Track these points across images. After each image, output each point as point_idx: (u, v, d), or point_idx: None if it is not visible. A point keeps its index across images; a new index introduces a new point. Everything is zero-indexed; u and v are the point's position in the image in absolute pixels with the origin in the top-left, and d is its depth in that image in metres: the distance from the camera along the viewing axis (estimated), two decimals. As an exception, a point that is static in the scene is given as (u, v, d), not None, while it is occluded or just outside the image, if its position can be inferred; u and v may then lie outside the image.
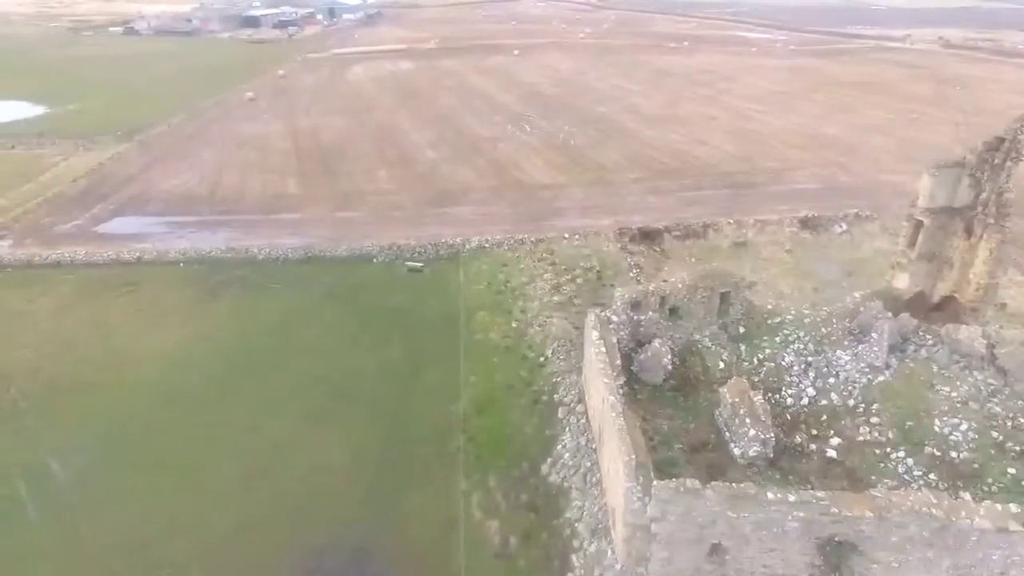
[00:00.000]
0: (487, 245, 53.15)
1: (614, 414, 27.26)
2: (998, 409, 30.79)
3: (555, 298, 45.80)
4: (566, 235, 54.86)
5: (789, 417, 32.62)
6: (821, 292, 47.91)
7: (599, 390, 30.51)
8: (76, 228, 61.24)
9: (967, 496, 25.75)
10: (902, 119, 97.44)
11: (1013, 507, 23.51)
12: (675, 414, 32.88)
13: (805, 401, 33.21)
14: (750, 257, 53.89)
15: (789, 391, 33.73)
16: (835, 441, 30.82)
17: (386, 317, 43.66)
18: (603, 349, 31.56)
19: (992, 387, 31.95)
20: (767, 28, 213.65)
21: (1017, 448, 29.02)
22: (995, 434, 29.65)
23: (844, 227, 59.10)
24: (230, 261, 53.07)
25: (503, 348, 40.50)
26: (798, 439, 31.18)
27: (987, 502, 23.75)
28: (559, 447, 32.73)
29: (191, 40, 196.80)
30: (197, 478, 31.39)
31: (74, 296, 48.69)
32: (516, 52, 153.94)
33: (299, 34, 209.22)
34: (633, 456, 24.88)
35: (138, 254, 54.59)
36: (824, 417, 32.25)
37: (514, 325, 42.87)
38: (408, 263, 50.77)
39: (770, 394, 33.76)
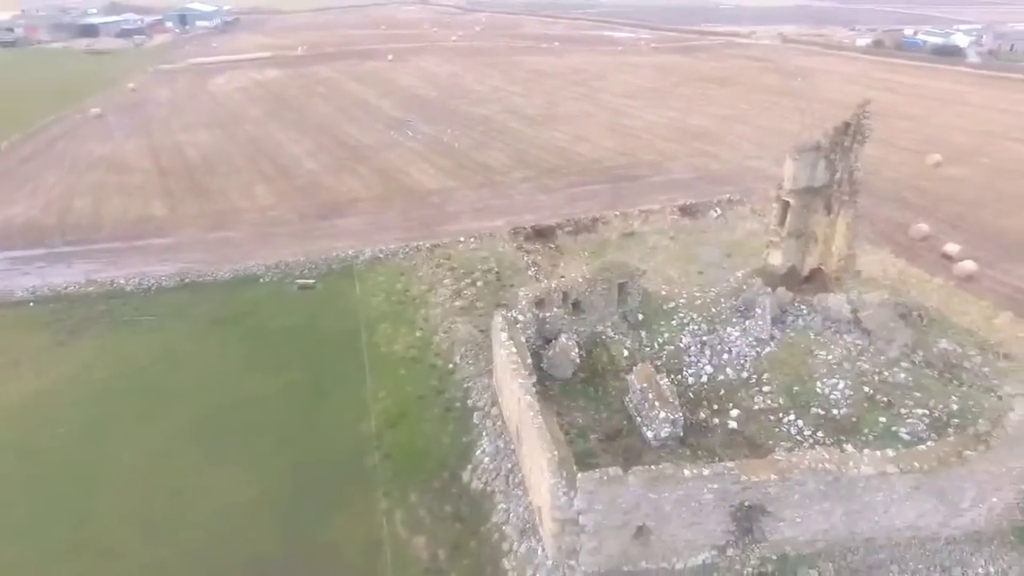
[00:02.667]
0: (382, 255, 51.81)
1: (531, 413, 27.44)
2: (866, 366, 34.18)
3: (457, 303, 45.50)
4: (461, 239, 54.68)
5: (692, 395, 34.46)
6: (705, 274, 50.72)
7: (513, 390, 30.61)
8: None
9: (850, 448, 28.30)
10: (757, 109, 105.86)
11: (890, 452, 26.22)
12: (588, 405, 33.74)
13: (704, 379, 35.22)
14: (638, 246, 56.31)
15: (689, 371, 35.63)
16: (735, 412, 32.93)
17: (281, 339, 41.33)
18: (513, 350, 31.70)
19: (860, 347, 35.43)
20: (631, 27, 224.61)
21: (885, 399, 32.36)
22: (866, 388, 32.89)
23: (719, 212, 63.23)
24: (92, 296, 47.91)
25: (410, 359, 39.66)
26: (702, 415, 33.01)
27: (867, 451, 26.30)
28: (478, 452, 32.52)
29: (16, 52, 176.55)
30: (83, 537, 28.14)
31: None
32: (390, 57, 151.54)
33: (147, 43, 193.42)
34: (555, 452, 25.16)
35: (-30, 297, 47.82)
36: (722, 391, 34.36)
37: (418, 334, 42.10)
38: (299, 280, 48.30)
39: (672, 375, 35.46)
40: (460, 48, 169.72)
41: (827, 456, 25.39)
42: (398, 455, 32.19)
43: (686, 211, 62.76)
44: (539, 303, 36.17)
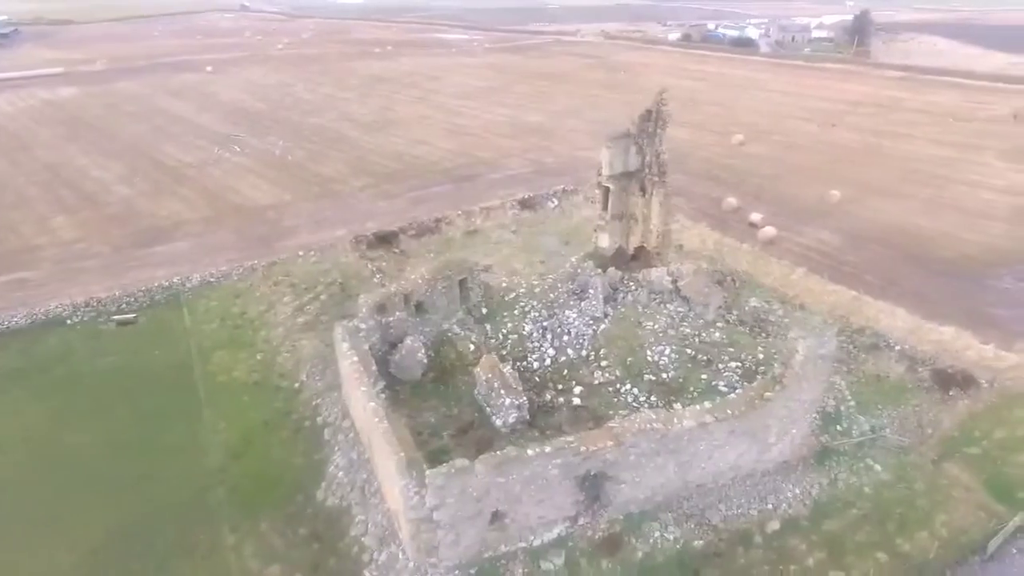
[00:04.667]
0: (213, 279, 48.43)
1: (376, 419, 27.26)
2: (688, 330, 37.62)
3: (300, 319, 43.85)
4: (301, 253, 52.63)
5: (538, 379, 35.91)
6: (548, 263, 52.90)
7: (360, 399, 30.19)
8: None
9: (679, 406, 31.07)
10: (586, 103, 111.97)
11: (707, 404, 29.13)
12: (439, 404, 34.03)
13: (548, 361, 36.83)
14: (482, 243, 57.60)
15: (533, 356, 37.09)
16: (577, 390, 34.79)
17: (100, 383, 37.28)
18: (355, 359, 31.25)
19: (681, 313, 38.89)
20: (462, 29, 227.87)
21: (705, 358, 35.85)
22: (689, 351, 36.21)
23: (556, 202, 66.32)
24: None
25: (252, 384, 37.62)
26: (548, 396, 34.53)
27: (690, 407, 29.07)
28: (331, 468, 31.68)
29: None
30: None
31: None
32: (209, 68, 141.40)
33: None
34: (402, 454, 25.17)
35: None
36: (565, 371, 36.15)
37: (259, 357, 40.04)
38: (116, 317, 43.73)
39: (518, 363, 36.78)
40: (288, 56, 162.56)
41: (654, 417, 27.69)
42: (245, 486, 30.46)
43: (525, 204, 65.12)
44: (380, 309, 35.84)
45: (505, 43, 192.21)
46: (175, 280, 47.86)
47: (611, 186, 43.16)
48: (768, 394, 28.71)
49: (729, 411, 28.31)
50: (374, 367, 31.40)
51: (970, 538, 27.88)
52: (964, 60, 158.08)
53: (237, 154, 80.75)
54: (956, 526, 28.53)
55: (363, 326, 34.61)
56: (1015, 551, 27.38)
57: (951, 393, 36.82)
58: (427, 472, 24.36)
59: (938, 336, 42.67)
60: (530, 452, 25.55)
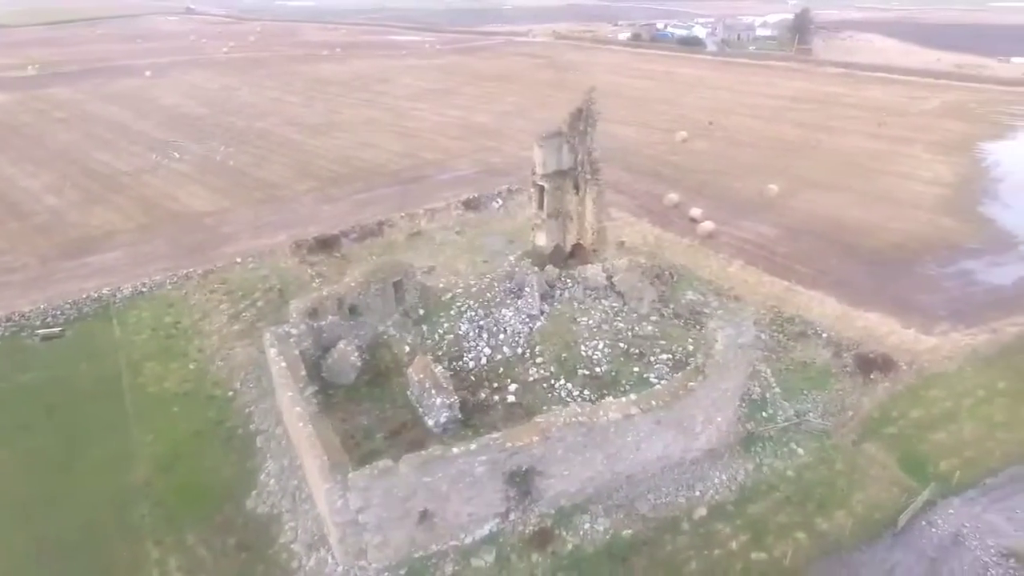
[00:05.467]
0: (145, 289, 47.17)
1: (301, 424, 27.05)
2: (621, 325, 38.21)
3: (236, 327, 43.12)
4: (238, 260, 51.70)
5: (473, 378, 36.04)
6: (491, 263, 53.07)
7: (286, 405, 29.90)
8: None
9: (611, 399, 31.52)
10: (534, 102, 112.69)
11: (633, 396, 29.70)
12: (373, 406, 33.87)
13: (484, 360, 37.00)
14: (426, 244, 57.50)
15: (469, 355, 37.21)
16: (512, 387, 35.00)
17: (20, 401, 35.90)
18: (283, 364, 30.91)
19: (615, 308, 39.49)
20: (415, 31, 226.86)
21: (637, 351, 36.47)
22: (622, 345, 36.78)
23: (500, 202, 66.61)
24: None
25: (183, 395, 36.82)
26: (482, 395, 34.69)
27: (615, 399, 29.58)
28: (263, 476, 31.26)
29: None
30: None
31: None
32: (148, 73, 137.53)
33: None
34: (325, 457, 25.03)
35: None
36: (501, 370, 36.36)
37: (192, 367, 39.24)
38: (40, 331, 42.23)
39: (454, 362, 36.90)
40: (233, 60, 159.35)
41: (579, 410, 28.12)
42: (172, 499, 29.82)
43: (470, 205, 65.24)
44: (312, 313, 35.53)
45: (457, 44, 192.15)
46: (105, 292, 46.49)
47: (546, 185, 43.61)
48: (691, 384, 29.43)
49: (654, 402, 28.91)
50: (303, 372, 31.10)
51: (884, 514, 29.05)
52: (899, 57, 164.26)
53: (176, 160, 78.84)
54: (871, 503, 29.72)
55: (294, 331, 34.24)
56: (925, 523, 28.63)
57: (872, 377, 38.30)
58: (350, 475, 24.28)
59: (864, 322, 44.39)
60: (455, 450, 25.68)
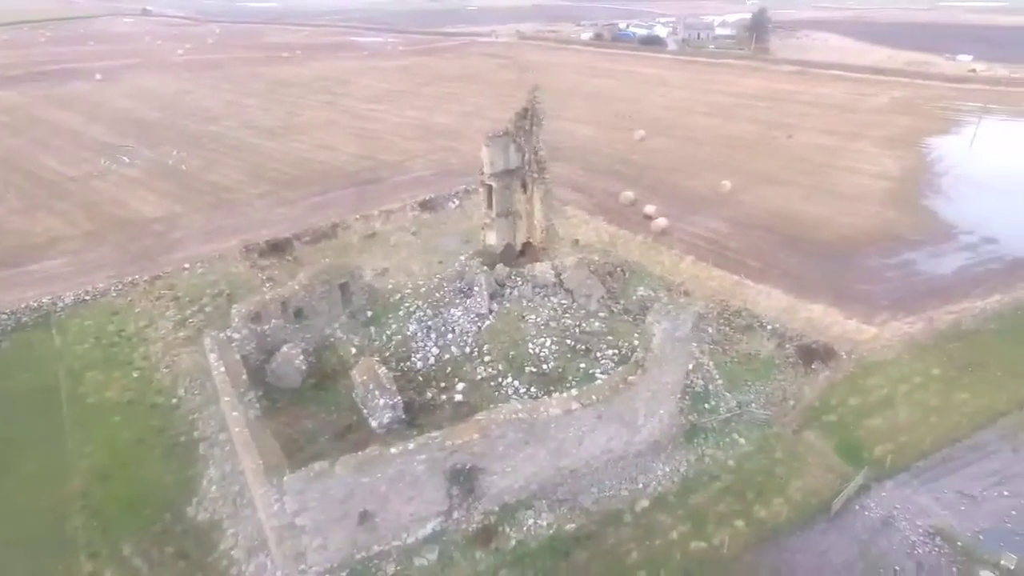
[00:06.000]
0: (88, 297, 46.00)
1: (237, 428, 26.76)
2: (569, 321, 38.54)
3: (182, 333, 42.38)
4: (187, 265, 50.81)
5: (421, 378, 36.04)
6: (445, 263, 53.02)
7: (227, 410, 29.54)
8: None
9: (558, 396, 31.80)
10: (496, 103, 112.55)
11: (574, 391, 30.00)
12: (319, 409, 33.65)
13: (432, 360, 37.00)
14: (381, 246, 57.23)
15: (417, 356, 37.19)
16: (460, 386, 35.09)
17: (-48, 415, 35.01)
18: (223, 369, 30.53)
19: (564, 305, 39.84)
20: (378, 32, 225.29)
21: (583, 347, 36.84)
22: (569, 341, 37.09)
23: (457, 202, 66.59)
24: None
25: (125, 403, 36.07)
26: (429, 395, 34.74)
27: (556, 394, 29.87)
28: (205, 483, 30.83)
29: None
30: None
31: None
32: (99, 76, 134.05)
33: None
34: (260, 461, 24.80)
35: None
36: (449, 369, 36.42)
37: (136, 375, 38.46)
38: (-25, 342, 41.17)
39: (402, 363, 36.86)
40: (190, 62, 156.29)
41: (520, 407, 28.32)
42: (109, 509, 29.22)
43: (426, 206, 65.09)
44: (256, 317, 35.14)
45: (420, 45, 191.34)
46: (46, 300, 45.28)
47: (494, 184, 43.87)
48: (631, 378, 29.83)
49: (594, 397, 29.23)
50: (244, 376, 30.76)
51: (820, 499, 29.84)
52: (852, 55, 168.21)
53: (126, 165, 77.04)
54: (808, 490, 30.50)
55: (236, 336, 33.89)
56: (858, 507, 29.49)
57: (814, 366, 39.30)
58: (285, 478, 24.10)
59: (808, 314, 45.48)
60: (393, 450, 25.64)
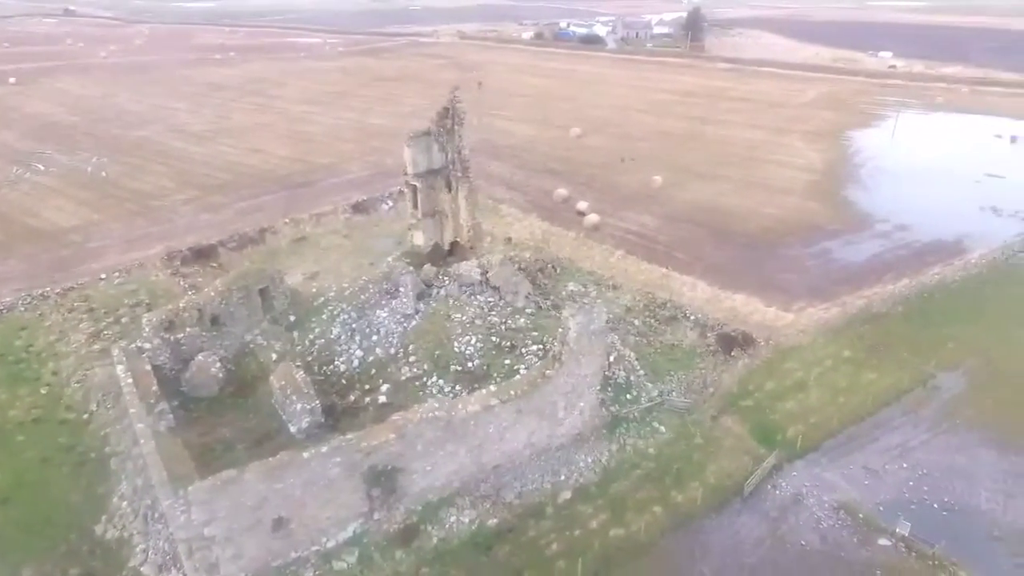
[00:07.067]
0: (-7, 313, 43.97)
1: (143, 440, 25.92)
2: (496, 319, 38.66)
3: (96, 346, 40.72)
4: (103, 276, 48.86)
5: (345, 381, 35.61)
6: (376, 265, 52.41)
7: (133, 422, 28.56)
8: None
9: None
10: (435, 103, 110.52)
11: (492, 388, 30.18)
12: (237, 417, 32.90)
13: (356, 363, 36.59)
14: (311, 249, 56.28)
15: (340, 359, 36.73)
16: (384, 388, 34.79)
17: None
18: (130, 381, 29.52)
19: (491, 303, 39.90)
20: (317, 33, 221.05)
21: (509, 344, 37.04)
22: (495, 338, 37.22)
23: (391, 204, 65.97)
24: None
25: (31, 422, 34.46)
26: (352, 398, 34.38)
27: (476, 392, 29.99)
28: (115, 499, 29.71)
29: None
30: None
31: None
32: (12, 80, 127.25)
33: None
34: (164, 472, 24.10)
35: None
36: (373, 371, 36.08)
37: (44, 392, 36.79)
38: None
39: (325, 367, 36.37)
40: (114, 65, 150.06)
41: (436, 405, 28.30)
42: (8, 533, 27.86)
43: (359, 208, 64.36)
44: (169, 326, 34.09)
45: (360, 46, 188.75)
46: (-55, 318, 42.91)
47: (418, 184, 43.60)
48: (548, 372, 30.21)
49: (512, 392, 29.51)
50: (155, 387, 29.84)
51: (734, 481, 30.85)
52: (784, 52, 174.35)
53: (40, 173, 73.45)
54: (724, 473, 31.48)
55: (147, 346, 32.82)
56: (770, 487, 30.63)
57: (733, 354, 40.58)
58: (190, 487, 23.47)
59: (731, 304, 46.95)
60: (305, 454, 25.28)
